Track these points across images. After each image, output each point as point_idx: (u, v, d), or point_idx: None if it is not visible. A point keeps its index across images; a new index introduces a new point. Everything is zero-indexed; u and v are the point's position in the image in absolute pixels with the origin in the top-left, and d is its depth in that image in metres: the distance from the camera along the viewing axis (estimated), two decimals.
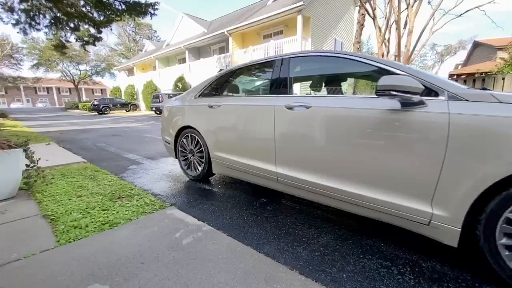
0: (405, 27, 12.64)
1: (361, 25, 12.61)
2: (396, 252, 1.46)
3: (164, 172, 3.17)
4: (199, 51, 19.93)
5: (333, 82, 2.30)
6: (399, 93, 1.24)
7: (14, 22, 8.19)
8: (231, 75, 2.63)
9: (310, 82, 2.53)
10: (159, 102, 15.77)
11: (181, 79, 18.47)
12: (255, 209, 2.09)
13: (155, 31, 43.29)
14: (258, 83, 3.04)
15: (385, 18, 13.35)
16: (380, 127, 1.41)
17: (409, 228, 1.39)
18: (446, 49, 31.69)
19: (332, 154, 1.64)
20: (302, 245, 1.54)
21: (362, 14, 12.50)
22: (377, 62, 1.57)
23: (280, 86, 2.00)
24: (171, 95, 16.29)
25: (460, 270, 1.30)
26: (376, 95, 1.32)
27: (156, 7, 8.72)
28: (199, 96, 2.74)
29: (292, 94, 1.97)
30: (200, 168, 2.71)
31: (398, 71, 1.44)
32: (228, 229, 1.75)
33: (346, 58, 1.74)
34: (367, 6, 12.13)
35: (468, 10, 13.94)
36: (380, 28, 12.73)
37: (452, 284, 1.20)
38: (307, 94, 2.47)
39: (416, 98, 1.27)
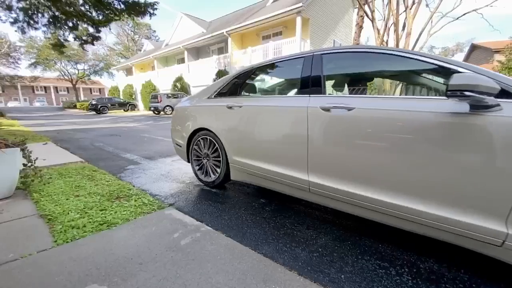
0: (403, 29, 12.72)
1: (359, 27, 12.67)
2: (394, 253, 1.46)
3: (163, 173, 3.16)
4: (198, 52, 19.93)
5: (371, 81, 2.11)
6: (474, 94, 1.07)
7: (12, 20, 8.15)
8: (252, 73, 2.43)
9: (347, 81, 2.29)
10: (158, 102, 15.73)
11: (180, 79, 18.45)
12: (254, 209, 2.09)
13: (154, 31, 43.25)
14: (283, 82, 2.77)
15: (384, 20, 13.43)
16: (444, 133, 1.22)
17: (472, 248, 1.24)
18: (444, 52, 31.96)
19: (383, 163, 1.42)
20: (300, 245, 1.55)
21: (361, 16, 12.56)
22: (436, 60, 1.37)
23: (312, 85, 1.80)
24: (170, 95, 16.28)
25: (457, 270, 1.31)
26: (447, 96, 1.15)
27: (155, 7, 8.72)
28: (214, 96, 2.55)
29: (326, 94, 1.76)
30: (216, 174, 2.51)
31: (464, 70, 1.26)
32: (227, 229, 1.75)
33: (394, 55, 1.52)
34: (366, 8, 12.19)
35: (465, 13, 14.08)
36: (378, 30, 12.80)
37: (450, 285, 1.21)
38: (337, 94, 2.19)
39: (491, 100, 1.10)
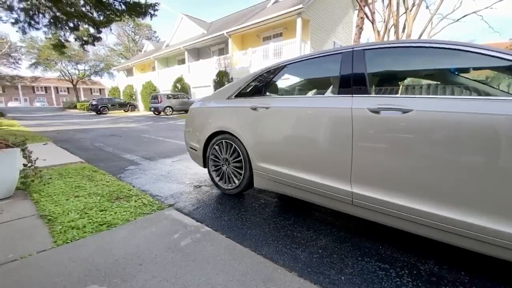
0: (403, 31, 12.75)
1: (360, 29, 12.70)
2: (395, 255, 1.46)
3: (163, 173, 3.16)
4: (198, 52, 19.96)
5: (432, 79, 1.86)
6: None
7: (13, 21, 8.17)
8: (279, 71, 2.19)
9: (397, 79, 2.08)
10: (158, 103, 15.73)
11: (180, 80, 18.46)
12: (254, 210, 2.09)
13: (155, 31, 43.29)
14: (316, 80, 2.55)
15: (384, 22, 13.47)
16: None
17: None
18: None
19: (452, 175, 1.21)
20: (300, 247, 1.54)
21: (361, 18, 12.59)
22: None
23: (354, 84, 1.59)
24: (170, 95, 16.29)
25: (458, 272, 1.31)
26: None
27: (156, 7, 8.74)
28: (235, 96, 2.35)
29: (372, 94, 1.58)
30: (237, 181, 2.30)
31: None
32: (227, 230, 1.75)
33: (465, 50, 1.30)
34: (366, 9, 12.23)
35: (465, 15, 14.13)
36: (378, 32, 12.83)
37: (450, 287, 1.21)
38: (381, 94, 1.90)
39: None
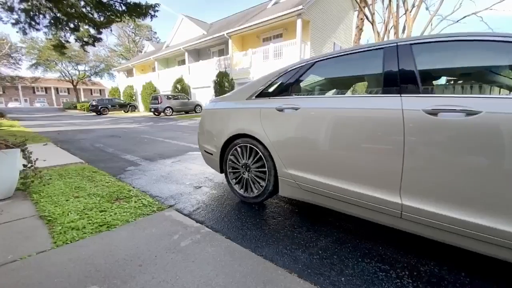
0: (403, 32, 12.77)
1: (360, 30, 12.73)
2: (395, 256, 1.46)
3: (163, 174, 3.16)
4: (198, 53, 19.99)
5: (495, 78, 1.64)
6: None
7: (13, 21, 8.19)
8: (308, 69, 2.00)
9: (453, 76, 1.87)
10: (158, 104, 15.74)
11: (180, 80, 18.49)
12: (254, 211, 2.09)
13: (155, 32, 43.44)
14: (351, 79, 2.34)
15: (384, 23, 13.50)
16: None
17: None
18: None
19: None
20: (301, 248, 1.54)
21: (361, 19, 12.62)
22: None
23: (402, 82, 1.43)
24: (170, 96, 16.30)
25: (458, 274, 1.31)
26: None
27: (156, 8, 8.76)
28: (256, 96, 2.19)
29: (425, 94, 1.40)
30: (259, 189, 2.11)
31: None
32: (227, 231, 1.74)
33: None
34: (366, 11, 12.26)
35: (465, 16, 14.16)
36: (378, 33, 12.85)
37: None
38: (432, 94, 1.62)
39: None
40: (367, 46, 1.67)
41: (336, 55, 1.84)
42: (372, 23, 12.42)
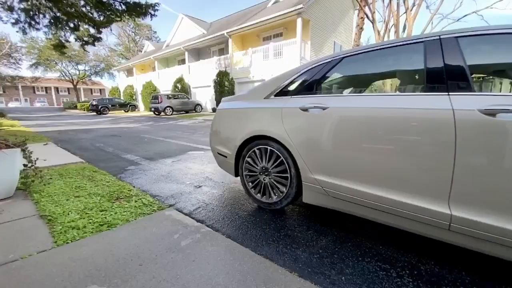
0: (403, 31, 12.75)
1: (360, 29, 12.70)
2: (395, 255, 1.46)
3: (163, 173, 3.16)
4: (198, 53, 19.98)
5: None
6: None
7: (13, 21, 8.19)
8: (335, 64, 1.82)
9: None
10: (158, 103, 15.75)
11: (180, 80, 18.49)
12: (254, 210, 2.09)
13: (155, 31, 43.39)
14: (384, 75, 2.18)
15: (384, 22, 13.48)
16: None
17: None
18: None
19: None
20: (301, 247, 1.54)
21: (361, 18, 12.60)
22: None
23: (449, 78, 1.30)
24: (170, 96, 16.30)
25: (458, 273, 1.31)
26: None
27: (156, 8, 8.76)
28: (275, 94, 2.04)
29: (477, 92, 1.26)
30: (279, 194, 1.97)
31: None
32: (227, 230, 1.75)
33: None
34: (366, 9, 12.23)
35: (465, 15, 14.16)
36: (379, 32, 12.83)
37: (450, 287, 1.20)
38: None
39: None
40: (403, 40, 1.52)
41: (366, 50, 1.68)
42: (373, 22, 12.40)
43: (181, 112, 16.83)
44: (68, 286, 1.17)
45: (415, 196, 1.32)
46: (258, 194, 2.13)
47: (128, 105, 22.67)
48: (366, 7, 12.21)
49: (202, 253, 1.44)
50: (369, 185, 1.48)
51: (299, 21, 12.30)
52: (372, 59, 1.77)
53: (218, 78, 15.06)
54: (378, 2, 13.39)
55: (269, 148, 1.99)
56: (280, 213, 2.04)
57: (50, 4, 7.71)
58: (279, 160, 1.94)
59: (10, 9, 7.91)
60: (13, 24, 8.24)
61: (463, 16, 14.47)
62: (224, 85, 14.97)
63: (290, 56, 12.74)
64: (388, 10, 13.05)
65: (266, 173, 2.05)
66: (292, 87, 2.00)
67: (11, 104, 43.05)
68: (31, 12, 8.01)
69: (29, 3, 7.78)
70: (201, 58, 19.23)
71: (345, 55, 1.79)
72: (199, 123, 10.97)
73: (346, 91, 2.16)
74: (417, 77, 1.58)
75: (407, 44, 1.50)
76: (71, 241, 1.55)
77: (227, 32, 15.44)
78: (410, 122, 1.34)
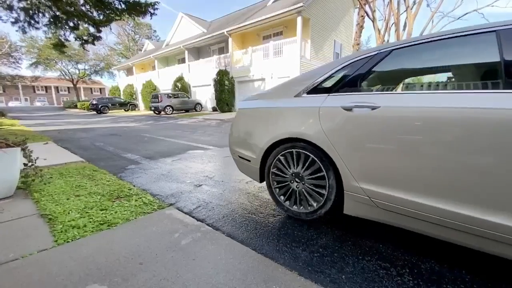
0: (404, 29, 12.72)
1: (360, 27, 12.68)
2: (395, 253, 1.46)
3: (163, 172, 3.16)
4: (198, 51, 19.95)
5: None
6: None
7: (13, 20, 8.17)
8: (383, 58, 1.59)
9: None
10: (158, 102, 15.75)
11: (180, 79, 18.48)
12: (254, 210, 2.09)
13: (155, 30, 43.50)
14: (440, 70, 1.89)
15: (384, 20, 13.45)
16: None
17: None
18: None
19: None
20: (301, 246, 1.54)
21: (362, 16, 12.57)
22: None
23: None
24: (170, 95, 16.30)
25: (459, 271, 1.31)
26: None
27: (156, 6, 8.73)
28: (308, 92, 1.82)
29: None
30: (316, 204, 1.76)
31: None
32: (227, 229, 1.75)
33: None
34: (367, 8, 12.19)
35: (466, 13, 14.08)
36: (379, 30, 12.80)
37: (451, 285, 1.20)
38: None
39: None
40: (465, 30, 1.33)
41: (420, 41, 1.46)
42: (373, 20, 12.37)
43: (181, 111, 16.82)
44: (68, 285, 1.17)
45: (497, 212, 1.10)
46: (287, 202, 1.93)
47: (128, 104, 22.67)
48: (367, 5, 12.18)
49: (203, 252, 1.44)
50: (438, 199, 1.25)
51: (299, 20, 12.26)
52: (427, 51, 1.54)
53: (218, 77, 15.05)
54: (378, 1, 13.37)
55: (303, 152, 1.77)
56: (279, 212, 2.04)
57: (50, 3, 7.69)
58: (314, 166, 1.73)
59: (10, 8, 7.89)
60: (13, 23, 8.22)
61: (464, 14, 14.46)
62: (224, 84, 14.96)
63: (290, 55, 12.72)
64: (388, 9, 13.02)
65: (298, 180, 1.85)
66: (330, 84, 1.78)
67: (11, 104, 43.07)
68: (30, 11, 7.99)
69: (28, 2, 7.76)
70: (201, 57, 19.21)
71: (395, 47, 1.57)
72: (199, 122, 10.97)
73: (398, 89, 1.92)
74: (483, 71, 1.41)
75: (472, 34, 1.29)
76: (72, 240, 1.55)
77: (227, 31, 15.41)
78: (491, 125, 1.11)
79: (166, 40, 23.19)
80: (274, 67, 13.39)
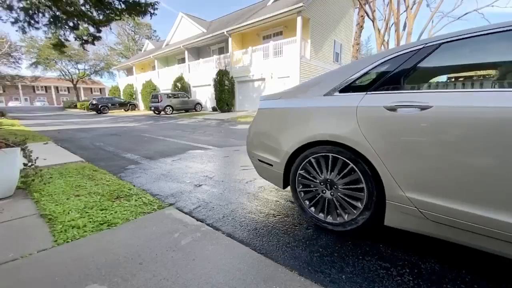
0: (404, 29, 12.72)
1: (360, 27, 12.69)
2: (395, 253, 1.46)
3: (163, 172, 3.16)
4: (198, 51, 19.95)
5: None
6: None
7: (13, 20, 8.16)
8: (431, 52, 1.40)
9: None
10: (158, 102, 15.75)
11: (180, 79, 18.47)
12: (253, 210, 2.09)
13: (155, 30, 43.51)
14: (503, 65, 1.61)
15: (384, 20, 13.46)
16: None
17: None
18: None
19: None
20: (301, 245, 1.54)
21: (362, 16, 12.58)
22: None
23: None
24: (170, 95, 16.29)
25: (459, 271, 1.30)
26: None
27: (156, 6, 8.72)
28: (341, 90, 1.65)
29: None
30: (349, 214, 1.61)
31: None
32: (227, 229, 1.75)
33: None
34: (367, 8, 12.20)
35: (466, 13, 14.10)
36: (379, 30, 12.81)
37: (451, 285, 1.20)
38: None
39: None
40: None
41: (474, 34, 1.28)
42: (373, 20, 12.38)
43: (181, 111, 16.82)
44: (68, 285, 1.17)
45: None
46: (315, 210, 1.77)
47: (128, 104, 22.66)
48: (366, 5, 12.19)
49: (203, 252, 1.44)
50: (504, 213, 1.09)
51: (299, 20, 12.27)
52: (482, 44, 1.34)
53: (218, 77, 15.05)
54: (378, 1, 13.39)
55: (337, 156, 1.60)
56: (279, 212, 2.03)
57: (50, 3, 7.69)
58: (351, 172, 1.57)
59: (10, 8, 7.89)
60: (13, 23, 8.20)
61: (464, 15, 14.46)
62: (224, 84, 14.96)
63: (290, 55, 12.72)
64: (388, 9, 13.04)
65: (329, 187, 1.67)
66: (367, 81, 1.62)
67: (11, 104, 43.04)
68: (30, 11, 7.97)
69: (28, 2, 7.75)
70: (201, 57, 19.20)
71: (445, 40, 1.38)
72: (199, 122, 10.97)
73: (448, 86, 1.77)
74: None
75: None
76: (71, 240, 1.55)
77: (227, 31, 15.41)
78: None
79: (166, 40, 23.18)
80: (274, 67, 13.39)
